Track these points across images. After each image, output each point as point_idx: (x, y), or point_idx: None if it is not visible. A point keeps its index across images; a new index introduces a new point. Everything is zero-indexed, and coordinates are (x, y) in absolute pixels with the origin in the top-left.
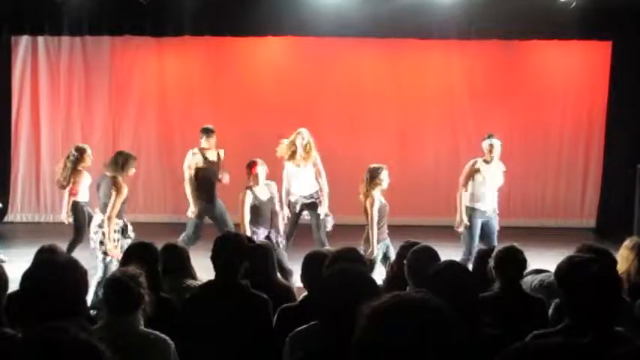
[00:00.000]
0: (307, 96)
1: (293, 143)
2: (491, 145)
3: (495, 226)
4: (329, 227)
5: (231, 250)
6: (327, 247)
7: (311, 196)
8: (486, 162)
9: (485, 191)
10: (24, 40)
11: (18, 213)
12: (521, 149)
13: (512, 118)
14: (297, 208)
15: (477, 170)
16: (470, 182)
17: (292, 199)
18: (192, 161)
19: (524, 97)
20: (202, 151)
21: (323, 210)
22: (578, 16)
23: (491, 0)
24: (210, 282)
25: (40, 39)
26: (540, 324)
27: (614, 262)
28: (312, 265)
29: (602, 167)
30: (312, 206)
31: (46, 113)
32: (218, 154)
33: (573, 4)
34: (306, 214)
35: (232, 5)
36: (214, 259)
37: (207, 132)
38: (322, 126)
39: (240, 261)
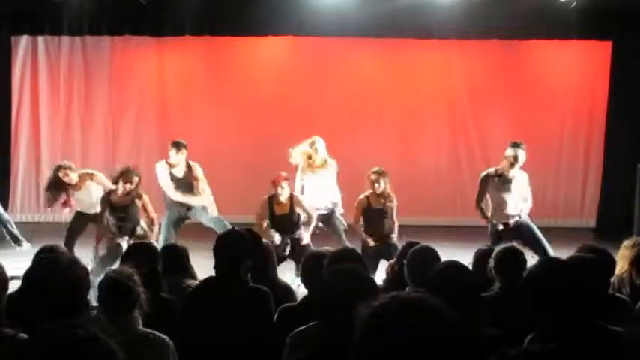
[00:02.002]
0: (307, 96)
1: (308, 152)
2: (515, 157)
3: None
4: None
5: (234, 245)
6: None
7: (326, 208)
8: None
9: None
10: (24, 40)
11: (18, 213)
12: None
13: (511, 118)
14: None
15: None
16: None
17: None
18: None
19: (524, 97)
20: (170, 165)
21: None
22: (578, 16)
23: (491, 0)
24: (211, 277)
25: (40, 39)
26: None
27: (613, 262)
28: (312, 265)
29: (602, 167)
30: (325, 218)
31: (46, 113)
32: (188, 168)
33: (573, 4)
34: (321, 226)
35: (232, 5)
36: (216, 254)
37: (178, 146)
38: (322, 126)
39: (243, 257)
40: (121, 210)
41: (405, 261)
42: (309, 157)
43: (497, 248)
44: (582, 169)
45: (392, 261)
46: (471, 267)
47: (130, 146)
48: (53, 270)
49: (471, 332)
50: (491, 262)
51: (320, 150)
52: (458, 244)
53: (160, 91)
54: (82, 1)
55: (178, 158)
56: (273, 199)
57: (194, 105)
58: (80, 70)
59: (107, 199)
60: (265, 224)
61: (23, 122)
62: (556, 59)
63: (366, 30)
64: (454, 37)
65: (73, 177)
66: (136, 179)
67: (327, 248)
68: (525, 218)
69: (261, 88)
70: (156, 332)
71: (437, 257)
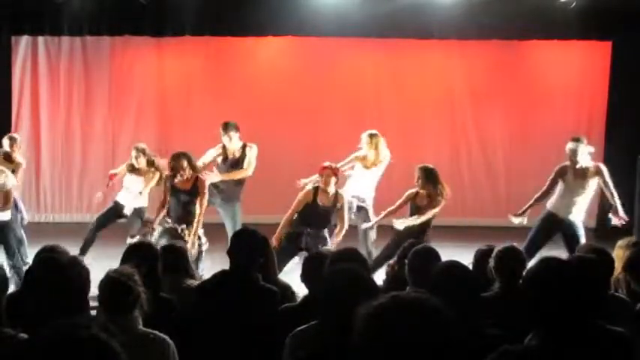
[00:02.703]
0: (307, 96)
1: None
2: (572, 150)
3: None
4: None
5: (249, 244)
6: (329, 248)
7: (363, 200)
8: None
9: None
10: (24, 40)
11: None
12: (521, 149)
13: (511, 118)
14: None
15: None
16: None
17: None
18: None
19: (524, 97)
20: (225, 149)
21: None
22: (578, 16)
23: (491, 0)
24: (223, 271)
25: (40, 39)
26: None
27: (613, 262)
28: (313, 265)
29: None
30: (361, 210)
31: (46, 113)
32: (243, 150)
33: (573, 4)
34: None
35: (232, 5)
36: (232, 250)
37: (224, 127)
38: (322, 126)
39: (256, 255)
40: (182, 195)
41: (405, 261)
42: (364, 157)
43: (497, 248)
44: None
45: (392, 261)
46: (471, 267)
47: (129, 146)
48: (53, 270)
49: (471, 332)
50: (491, 262)
51: (382, 147)
52: (458, 244)
53: (160, 91)
54: (82, 1)
55: (226, 139)
56: (318, 189)
57: (194, 105)
58: (80, 70)
59: (171, 183)
60: (293, 218)
61: (23, 122)
62: (556, 59)
63: (366, 30)
64: (454, 37)
65: (142, 161)
66: (183, 163)
67: (328, 248)
68: (579, 222)
69: (261, 88)
70: (156, 332)
71: (437, 257)
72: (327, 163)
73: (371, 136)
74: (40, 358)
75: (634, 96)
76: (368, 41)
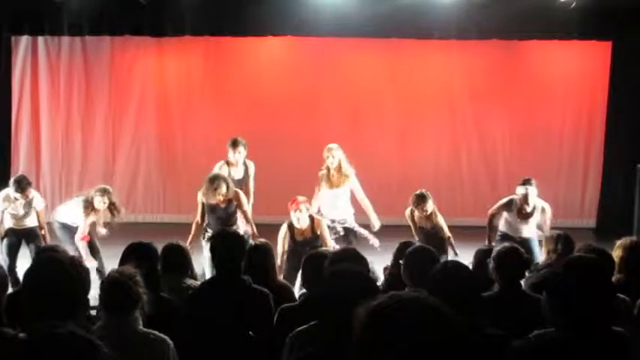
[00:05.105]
0: (307, 96)
1: (326, 164)
2: (525, 196)
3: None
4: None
5: (232, 246)
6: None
7: (344, 222)
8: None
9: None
10: (24, 40)
11: None
12: (521, 149)
13: (511, 118)
14: (338, 231)
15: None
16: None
17: (328, 223)
18: None
19: (523, 97)
20: (229, 165)
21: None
22: (578, 16)
23: (491, 0)
24: (213, 278)
25: (40, 39)
26: (540, 324)
27: (613, 262)
28: (313, 265)
29: (602, 167)
30: (348, 232)
31: (46, 113)
32: (246, 169)
33: (573, 4)
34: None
35: (232, 5)
36: (216, 255)
37: (233, 144)
38: (322, 126)
39: (241, 257)
40: (219, 211)
41: (401, 262)
42: (328, 171)
43: (497, 248)
44: (582, 169)
45: (388, 264)
46: (471, 267)
47: (129, 146)
48: (53, 270)
49: (471, 332)
50: (491, 262)
51: (342, 160)
52: (458, 244)
53: (160, 91)
54: (82, 1)
55: (235, 157)
56: (292, 227)
57: (194, 105)
58: (80, 70)
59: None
60: (284, 257)
61: (23, 122)
62: (556, 59)
63: (366, 30)
64: (454, 37)
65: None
66: (219, 192)
67: (327, 248)
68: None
69: (261, 88)
70: (156, 332)
71: (434, 257)
72: (300, 198)
73: (329, 149)
74: (24, 357)
75: (634, 96)
76: (368, 41)
